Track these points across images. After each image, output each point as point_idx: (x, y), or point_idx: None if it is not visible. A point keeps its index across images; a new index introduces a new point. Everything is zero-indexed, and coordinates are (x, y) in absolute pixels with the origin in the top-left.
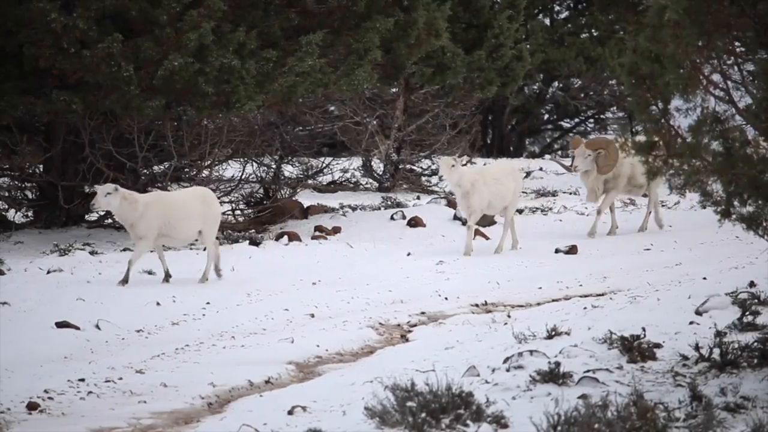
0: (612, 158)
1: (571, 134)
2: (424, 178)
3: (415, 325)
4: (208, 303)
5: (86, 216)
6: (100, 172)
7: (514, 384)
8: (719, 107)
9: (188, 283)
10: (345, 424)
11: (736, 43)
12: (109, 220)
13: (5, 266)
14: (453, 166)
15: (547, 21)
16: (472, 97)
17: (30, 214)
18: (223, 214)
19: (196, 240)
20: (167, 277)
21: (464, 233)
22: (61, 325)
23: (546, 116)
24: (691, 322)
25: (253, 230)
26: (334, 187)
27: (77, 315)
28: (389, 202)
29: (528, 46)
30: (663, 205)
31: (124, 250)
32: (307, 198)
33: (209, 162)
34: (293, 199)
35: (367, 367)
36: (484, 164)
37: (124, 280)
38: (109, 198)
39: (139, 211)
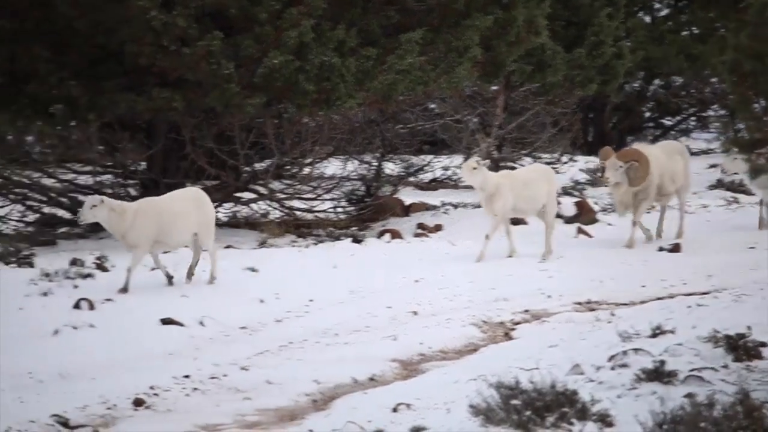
0: (644, 170)
1: (672, 132)
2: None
3: (518, 323)
4: (311, 300)
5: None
6: (202, 170)
7: (619, 382)
8: None
9: (292, 280)
10: (449, 422)
11: None
12: None
13: (109, 263)
14: (475, 168)
15: (648, 18)
16: (572, 94)
17: None
18: (325, 211)
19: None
20: (170, 279)
21: (565, 231)
22: (165, 321)
23: (647, 114)
24: None
25: (354, 228)
26: (435, 184)
27: (182, 312)
28: None
29: (628, 43)
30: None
31: (227, 247)
32: (408, 195)
33: (310, 160)
34: (394, 196)
35: (471, 365)
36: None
37: (124, 289)
38: (95, 210)
39: (128, 221)
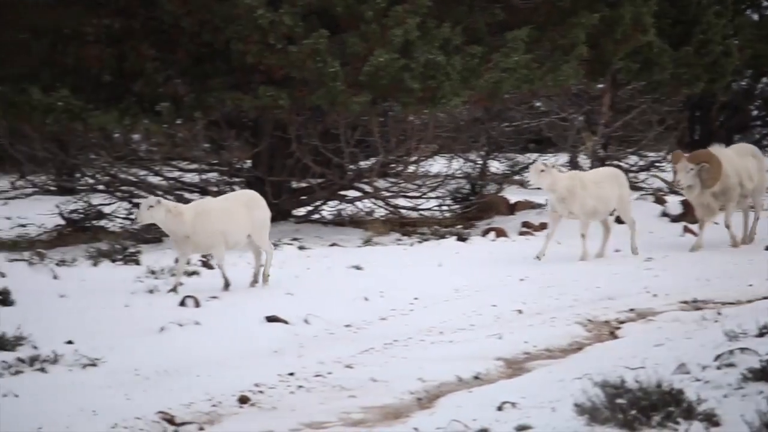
0: (716, 171)
1: None
2: (630, 175)
3: (623, 322)
4: (416, 298)
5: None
6: (307, 168)
7: (725, 382)
8: None
9: (397, 278)
10: (554, 421)
11: None
12: (317, 215)
13: (215, 261)
14: (543, 171)
15: (756, 16)
16: (679, 92)
17: None
18: (430, 209)
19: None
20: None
21: (671, 230)
22: (270, 319)
23: (755, 112)
24: None
25: (459, 226)
26: None
27: (286, 309)
28: None
29: (736, 41)
30: None
31: (332, 245)
32: (513, 194)
33: (415, 158)
34: (499, 195)
35: (576, 364)
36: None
37: (226, 285)
38: (152, 211)
39: (188, 225)
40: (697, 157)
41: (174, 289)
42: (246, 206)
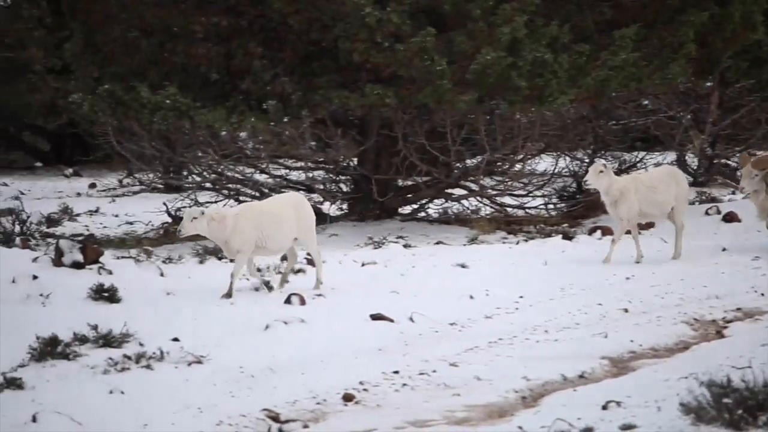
0: None
1: None
2: (738, 173)
3: (730, 321)
4: (521, 297)
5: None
6: (414, 166)
7: None
8: None
9: (502, 277)
10: (659, 420)
11: None
12: (423, 214)
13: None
14: (602, 171)
15: None
16: None
17: (344, 206)
18: (536, 207)
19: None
20: (268, 287)
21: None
22: (375, 317)
23: None
24: None
25: (565, 224)
26: None
27: (391, 307)
28: (703, 197)
29: None
30: None
31: (438, 243)
32: None
33: (521, 156)
34: None
35: (682, 363)
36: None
37: (228, 294)
38: (195, 223)
39: (230, 227)
40: (762, 163)
41: (226, 294)
42: (293, 209)
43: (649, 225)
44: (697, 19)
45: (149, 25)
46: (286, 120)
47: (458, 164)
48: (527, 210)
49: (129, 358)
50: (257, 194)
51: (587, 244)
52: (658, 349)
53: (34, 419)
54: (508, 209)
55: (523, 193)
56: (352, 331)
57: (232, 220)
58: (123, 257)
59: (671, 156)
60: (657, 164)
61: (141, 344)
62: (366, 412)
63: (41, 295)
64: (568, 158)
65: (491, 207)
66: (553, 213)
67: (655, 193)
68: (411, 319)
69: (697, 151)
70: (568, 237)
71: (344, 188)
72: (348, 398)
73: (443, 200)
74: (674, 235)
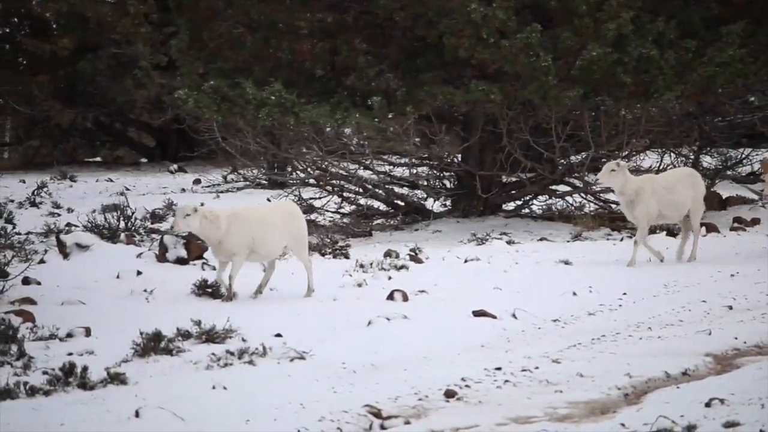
0: None
1: None
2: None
3: None
4: (624, 293)
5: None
6: (518, 162)
7: None
8: None
9: (606, 273)
10: (763, 417)
11: None
12: (526, 210)
13: (424, 254)
14: (614, 170)
15: None
16: None
17: (448, 203)
18: None
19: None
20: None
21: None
22: (478, 314)
23: None
24: None
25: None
26: (753, 178)
27: (494, 304)
28: None
29: None
30: None
31: (541, 239)
32: (725, 189)
33: (626, 152)
34: (711, 190)
35: None
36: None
37: (228, 298)
38: (188, 219)
39: (223, 229)
40: None
41: (226, 297)
42: (284, 217)
43: (755, 221)
44: None
45: (254, 21)
46: (390, 116)
47: (562, 161)
48: None
49: (232, 353)
50: (361, 190)
51: (660, 243)
52: (762, 346)
53: (137, 414)
54: (613, 206)
55: None
56: (454, 328)
57: (225, 221)
58: None
59: None
60: (763, 161)
61: (243, 340)
62: (468, 408)
63: (145, 290)
64: (673, 155)
65: (595, 204)
66: None
67: (672, 194)
68: (514, 316)
69: None
70: (672, 233)
71: (448, 184)
72: (450, 394)
73: (547, 197)
74: (691, 238)
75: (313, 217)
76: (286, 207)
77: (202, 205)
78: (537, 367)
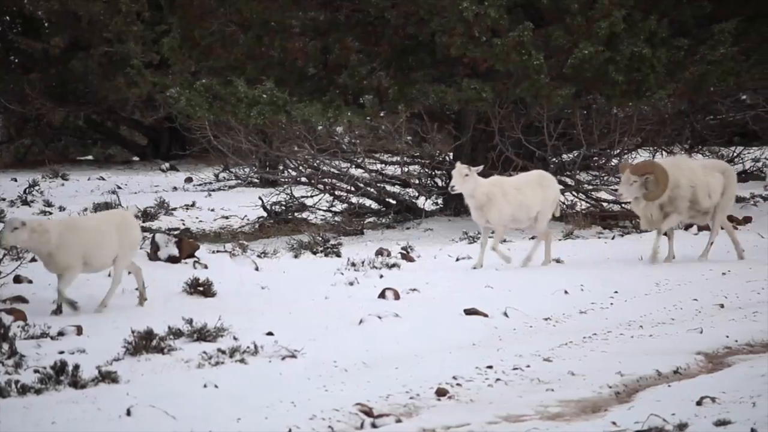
0: (661, 183)
1: None
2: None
3: None
4: (616, 292)
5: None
6: (510, 160)
7: None
8: None
9: (597, 272)
10: (755, 416)
11: None
12: None
13: (415, 253)
14: (467, 175)
15: None
16: None
17: (440, 201)
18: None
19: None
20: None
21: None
22: (469, 312)
23: None
24: None
25: None
26: (744, 176)
27: (485, 302)
28: None
29: None
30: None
31: (533, 238)
32: None
33: (618, 151)
34: None
35: None
36: None
37: (58, 310)
38: (16, 233)
39: (53, 241)
40: (640, 169)
41: (58, 310)
42: (119, 227)
43: (747, 219)
44: None
45: (246, 20)
46: (382, 114)
47: (554, 159)
48: (623, 205)
49: (223, 352)
50: (352, 189)
51: (683, 240)
52: (753, 344)
53: (128, 413)
54: (604, 204)
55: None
56: (445, 326)
57: (56, 234)
58: (218, 251)
59: None
60: (755, 160)
61: (235, 338)
62: (459, 406)
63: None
64: (665, 153)
65: (587, 202)
66: None
67: (523, 196)
68: (505, 314)
69: None
70: (663, 232)
71: (440, 183)
72: (441, 393)
73: None
74: (539, 242)
75: (305, 215)
76: (119, 217)
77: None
78: (528, 366)
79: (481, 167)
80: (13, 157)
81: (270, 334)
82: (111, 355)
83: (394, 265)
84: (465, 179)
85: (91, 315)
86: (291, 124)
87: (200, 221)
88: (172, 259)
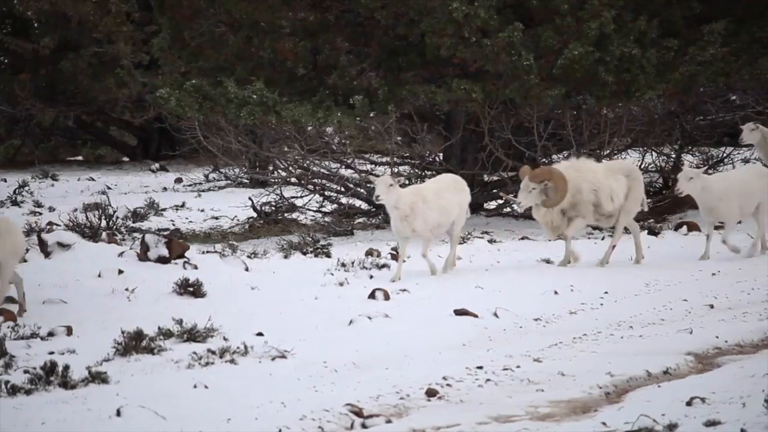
0: (560, 189)
1: None
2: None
3: None
4: (606, 292)
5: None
6: (499, 161)
7: None
8: None
9: (587, 272)
10: (744, 416)
11: None
12: (508, 209)
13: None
14: (391, 185)
15: None
16: None
17: None
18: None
19: None
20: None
21: None
22: (459, 312)
23: None
24: None
25: (651, 220)
26: None
27: (475, 303)
28: None
29: None
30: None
31: (523, 238)
32: None
33: (608, 151)
34: None
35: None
36: None
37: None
38: None
39: None
40: (538, 176)
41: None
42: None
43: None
44: None
45: (236, 20)
46: (372, 115)
47: (544, 159)
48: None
49: (213, 352)
50: (342, 189)
51: (673, 240)
52: (743, 345)
53: (118, 413)
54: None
55: None
56: (436, 327)
57: None
58: (208, 252)
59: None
60: (745, 160)
61: (225, 339)
62: (449, 407)
63: (126, 289)
64: (654, 153)
65: None
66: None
67: (443, 200)
68: (495, 315)
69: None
70: (654, 232)
71: None
72: (431, 393)
73: None
74: (450, 246)
75: (294, 215)
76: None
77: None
78: (518, 366)
79: (402, 178)
80: (3, 157)
81: (260, 334)
82: (101, 356)
83: (384, 266)
84: (389, 190)
85: (82, 316)
86: (281, 124)
87: (190, 222)
88: (161, 260)
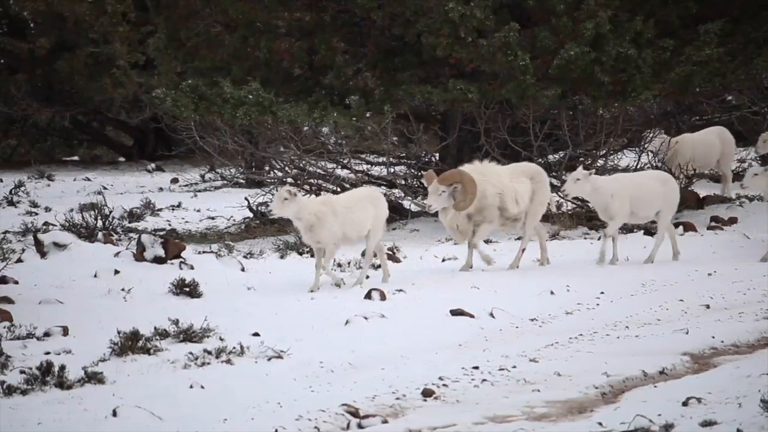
0: (469, 192)
1: None
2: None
3: None
4: (602, 293)
5: None
6: (496, 161)
7: None
8: None
9: (583, 272)
10: (740, 416)
11: None
12: None
13: (402, 254)
14: (287, 198)
15: None
16: None
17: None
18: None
19: None
20: None
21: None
22: (455, 312)
23: None
24: None
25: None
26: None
27: (471, 303)
28: None
29: None
30: None
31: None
32: (702, 188)
33: (604, 151)
34: (689, 189)
35: (764, 359)
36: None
37: None
38: None
39: None
40: (448, 179)
41: None
42: None
43: (733, 220)
44: None
45: (232, 20)
46: (368, 115)
47: (540, 159)
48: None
49: (209, 352)
50: (339, 190)
51: (669, 240)
52: (739, 345)
53: (114, 413)
54: (590, 205)
55: None
56: (432, 327)
57: None
58: (204, 252)
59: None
60: (741, 160)
61: (221, 339)
62: (445, 407)
63: (123, 289)
64: (650, 153)
65: (573, 203)
66: None
67: (353, 213)
68: (491, 315)
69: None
70: (649, 233)
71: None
72: (427, 393)
73: None
74: (376, 257)
75: None
76: None
77: None
78: (515, 366)
79: (302, 192)
80: None
81: (256, 334)
82: (97, 356)
83: (380, 266)
84: (284, 203)
85: (78, 316)
86: (277, 124)
87: (186, 222)
88: (158, 260)
